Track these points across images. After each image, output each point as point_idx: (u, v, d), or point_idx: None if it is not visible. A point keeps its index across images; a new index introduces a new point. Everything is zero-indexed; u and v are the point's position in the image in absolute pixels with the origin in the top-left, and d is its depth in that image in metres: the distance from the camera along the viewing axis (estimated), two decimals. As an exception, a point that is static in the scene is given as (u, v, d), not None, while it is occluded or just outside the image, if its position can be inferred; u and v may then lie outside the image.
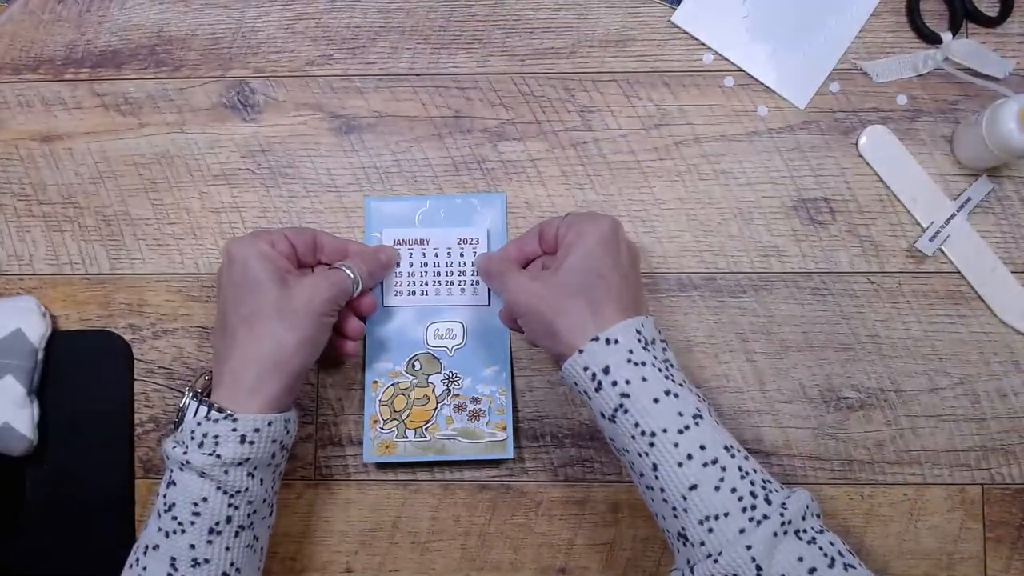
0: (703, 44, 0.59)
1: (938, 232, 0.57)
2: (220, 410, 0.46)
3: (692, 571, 0.42)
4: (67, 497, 0.57)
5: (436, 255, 0.56)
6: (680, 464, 0.42)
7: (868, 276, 0.58)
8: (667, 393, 0.43)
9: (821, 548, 0.41)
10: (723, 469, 0.42)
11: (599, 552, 0.57)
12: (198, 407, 0.46)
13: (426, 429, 0.55)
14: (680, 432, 0.42)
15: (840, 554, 0.41)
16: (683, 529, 0.43)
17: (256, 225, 0.59)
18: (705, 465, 0.42)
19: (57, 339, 0.58)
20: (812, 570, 0.40)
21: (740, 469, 0.43)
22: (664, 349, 0.46)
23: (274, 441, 0.47)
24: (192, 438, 0.46)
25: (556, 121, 0.59)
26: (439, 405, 0.55)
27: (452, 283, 0.56)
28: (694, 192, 0.58)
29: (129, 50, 0.60)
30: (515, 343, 0.58)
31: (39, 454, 0.57)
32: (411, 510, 0.57)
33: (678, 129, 0.59)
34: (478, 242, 0.56)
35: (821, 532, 0.42)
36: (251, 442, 0.46)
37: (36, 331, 0.56)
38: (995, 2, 0.59)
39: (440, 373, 0.56)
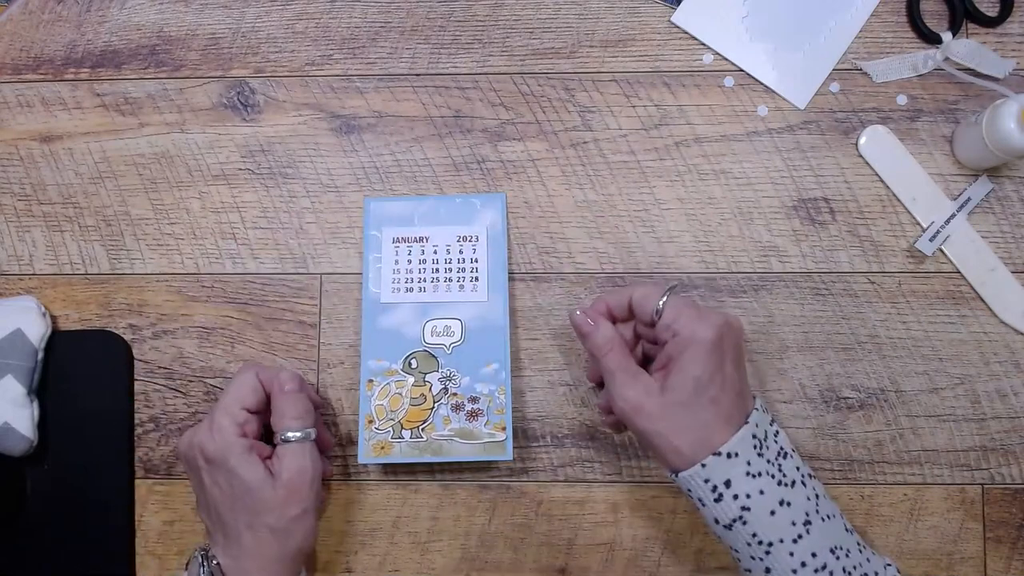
0: (703, 44, 0.59)
1: (938, 232, 0.57)
2: None
3: None
4: (67, 497, 0.57)
5: (435, 252, 0.56)
6: (794, 571, 0.45)
7: (868, 276, 0.58)
8: (782, 503, 0.46)
9: None
10: (831, 574, 0.45)
11: (599, 552, 0.57)
12: None
13: (422, 429, 0.54)
14: (795, 542, 0.45)
15: None
16: None
17: (255, 225, 0.59)
18: (816, 571, 0.45)
19: (57, 339, 0.58)
20: None
21: (844, 570, 0.46)
22: (776, 436, 0.48)
23: None
24: None
25: (556, 121, 0.59)
26: (436, 405, 0.54)
27: (451, 279, 0.56)
28: (694, 192, 0.58)
29: (129, 50, 0.60)
30: (515, 342, 0.58)
31: (39, 454, 0.57)
32: (411, 510, 0.57)
33: (678, 129, 0.59)
34: (478, 239, 0.56)
35: None
36: None
37: (36, 331, 0.56)
38: (995, 2, 0.59)
39: (437, 371, 0.55)
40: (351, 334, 0.58)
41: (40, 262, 0.59)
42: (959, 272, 0.57)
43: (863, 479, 0.57)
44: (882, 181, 0.58)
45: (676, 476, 0.47)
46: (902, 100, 0.58)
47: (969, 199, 0.57)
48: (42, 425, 0.57)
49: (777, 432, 0.48)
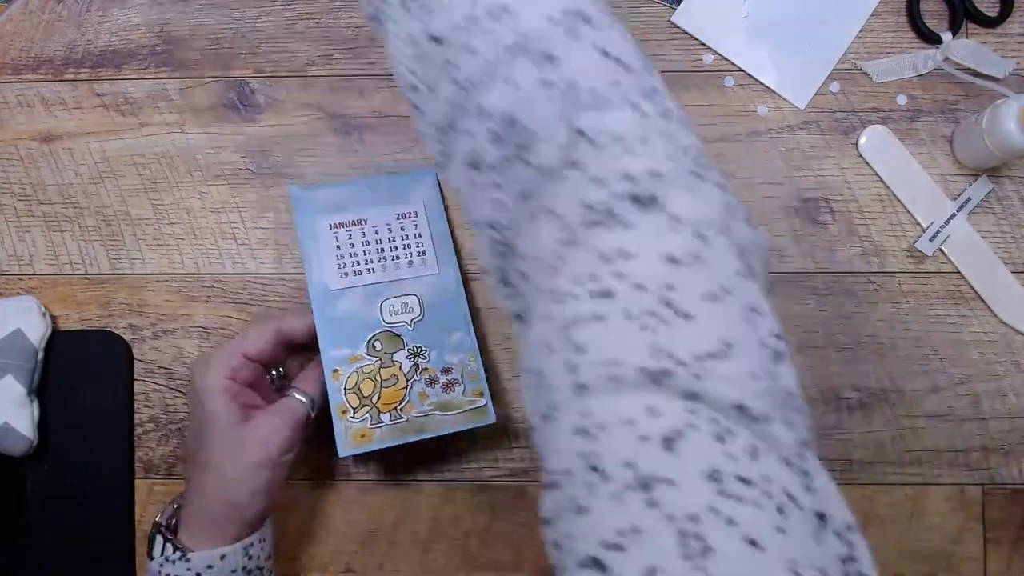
0: (703, 44, 0.59)
1: (938, 232, 0.57)
2: (175, 548, 0.48)
3: None
4: (67, 497, 0.57)
5: (376, 232, 0.55)
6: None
7: (868, 276, 0.58)
8: None
9: None
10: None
11: (599, 552, 0.57)
12: (164, 544, 0.48)
13: (400, 409, 0.53)
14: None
15: None
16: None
17: (255, 225, 0.59)
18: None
19: (57, 339, 0.58)
20: None
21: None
22: None
23: (233, 571, 0.48)
24: None
25: (556, 121, 0.59)
26: (409, 383, 0.53)
27: (398, 257, 0.55)
28: (694, 192, 0.58)
29: (129, 50, 0.60)
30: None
31: (39, 454, 0.57)
32: (411, 510, 0.57)
33: (678, 129, 0.59)
34: (417, 215, 0.56)
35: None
36: None
37: (36, 331, 0.56)
38: (995, 2, 0.59)
39: (404, 349, 0.54)
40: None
41: (40, 262, 0.59)
42: (959, 272, 0.57)
43: (863, 479, 0.57)
44: (882, 181, 0.58)
45: None
46: (902, 100, 0.58)
47: (969, 199, 0.57)
48: (42, 425, 0.57)
49: None
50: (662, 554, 0.24)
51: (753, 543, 0.25)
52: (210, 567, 0.47)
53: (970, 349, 0.57)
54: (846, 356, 0.57)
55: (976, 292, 0.57)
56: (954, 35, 0.58)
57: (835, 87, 0.59)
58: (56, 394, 0.58)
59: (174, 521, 0.50)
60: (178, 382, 0.58)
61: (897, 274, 0.58)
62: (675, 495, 0.25)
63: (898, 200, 0.58)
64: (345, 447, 0.51)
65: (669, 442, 0.26)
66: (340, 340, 0.53)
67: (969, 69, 0.57)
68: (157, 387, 0.58)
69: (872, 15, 0.59)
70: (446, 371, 0.53)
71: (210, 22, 0.60)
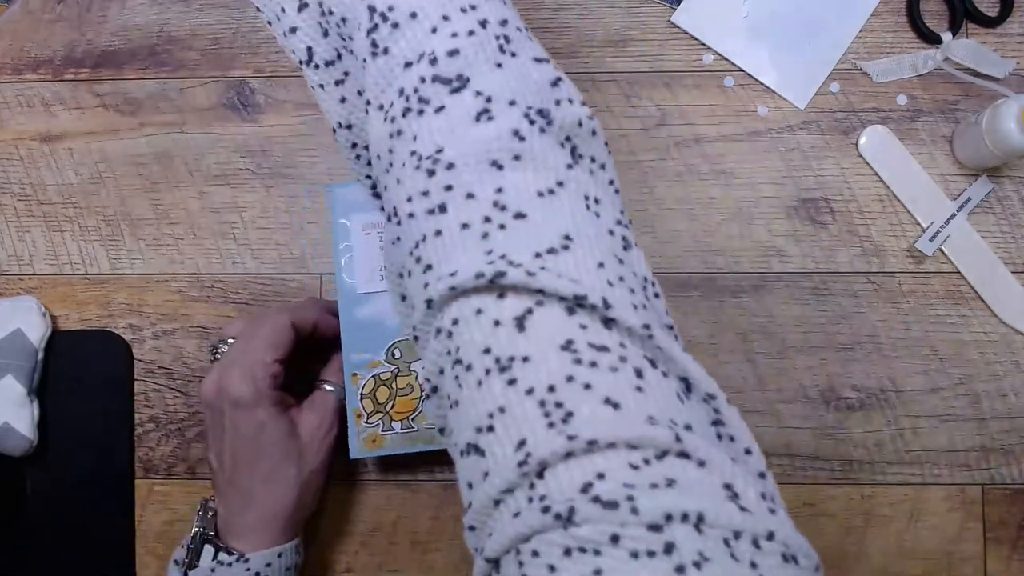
0: (703, 44, 0.59)
1: (938, 232, 0.57)
2: (230, 551, 0.48)
3: None
4: (67, 497, 0.57)
5: None
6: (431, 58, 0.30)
7: (868, 276, 0.58)
8: None
9: None
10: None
11: (599, 552, 0.57)
12: (216, 551, 0.48)
13: (413, 419, 0.53)
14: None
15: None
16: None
17: (255, 225, 0.59)
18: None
19: (57, 339, 0.58)
20: None
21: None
22: None
23: (287, 569, 0.49)
24: None
25: (556, 121, 0.59)
26: (424, 393, 0.53)
27: None
28: (694, 192, 0.58)
29: (129, 50, 0.60)
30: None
31: (39, 454, 0.57)
32: (411, 510, 0.57)
33: (678, 129, 0.59)
34: None
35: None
36: None
37: (36, 331, 0.56)
38: (995, 2, 0.59)
39: (422, 360, 0.54)
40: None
41: (40, 262, 0.59)
42: (959, 272, 0.57)
43: (863, 479, 0.57)
44: (882, 181, 0.58)
45: None
46: (902, 100, 0.58)
47: (969, 199, 0.57)
48: (42, 425, 0.57)
49: None
50: (528, 426, 0.26)
51: (612, 403, 0.25)
52: (268, 565, 0.48)
53: (970, 349, 0.57)
54: (846, 356, 0.57)
55: (976, 292, 0.57)
56: (954, 35, 0.58)
57: (835, 87, 0.59)
58: (56, 394, 0.58)
59: (215, 529, 0.50)
60: (178, 382, 0.58)
61: (897, 274, 0.58)
62: (532, 370, 0.26)
63: (898, 200, 0.58)
64: (356, 449, 0.53)
65: (520, 321, 0.27)
66: (362, 344, 0.53)
67: (969, 69, 0.57)
68: (157, 387, 0.58)
69: (872, 15, 0.59)
70: None
71: (210, 22, 0.60)
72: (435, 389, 0.30)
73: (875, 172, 0.58)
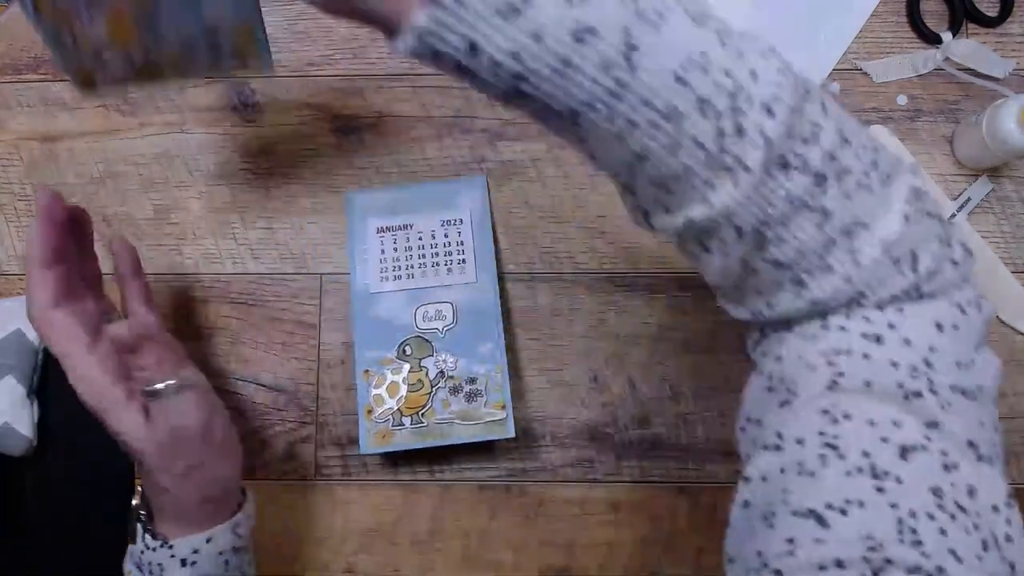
0: (703, 44, 0.59)
1: (938, 232, 0.57)
2: (155, 536, 0.46)
3: (647, 217, 0.34)
4: (67, 497, 0.57)
5: (420, 238, 0.56)
6: (620, 137, 0.29)
7: (868, 276, 0.58)
8: (578, 38, 0.27)
9: (814, 171, 0.31)
10: (678, 119, 0.29)
11: (599, 552, 0.57)
12: (143, 532, 0.47)
13: (422, 415, 0.54)
14: (612, 95, 0.28)
15: (832, 158, 0.31)
16: (630, 186, 0.32)
17: (255, 225, 0.59)
18: (653, 126, 0.29)
19: (57, 339, 0.58)
20: (801, 205, 0.30)
21: (699, 102, 0.29)
22: None
23: (220, 553, 0.47)
24: (139, 568, 0.47)
25: (556, 121, 0.59)
26: (434, 389, 0.54)
27: (439, 264, 0.56)
28: (694, 192, 0.58)
29: (129, 50, 0.60)
30: (515, 342, 0.58)
31: (39, 454, 0.57)
32: (411, 510, 0.57)
33: (678, 129, 0.59)
34: (462, 222, 0.57)
35: (814, 137, 0.31)
36: (193, 563, 0.45)
37: (36, 331, 0.56)
38: (995, 2, 0.59)
39: (432, 356, 0.55)
40: (351, 333, 0.58)
41: (40, 262, 0.59)
42: (959, 272, 0.57)
43: (863, 479, 0.57)
44: (882, 181, 0.58)
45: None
46: (902, 100, 0.58)
47: (969, 199, 0.57)
48: (42, 425, 0.57)
49: None
50: (880, 529, 0.27)
51: (956, 556, 0.27)
52: (196, 551, 0.46)
53: (970, 349, 0.57)
54: (846, 356, 0.57)
55: (976, 292, 0.57)
56: (954, 35, 0.58)
57: (835, 87, 0.59)
58: (56, 394, 0.58)
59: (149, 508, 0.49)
60: (178, 382, 0.58)
61: (897, 274, 0.58)
62: (901, 491, 0.28)
63: (898, 200, 0.58)
64: (367, 445, 0.54)
65: (904, 451, 0.29)
66: (374, 342, 0.55)
67: (969, 69, 0.57)
68: (157, 387, 0.58)
69: (872, 15, 0.59)
70: (471, 381, 0.54)
71: (210, 22, 0.60)
72: (779, 448, 0.31)
73: (875, 172, 0.58)
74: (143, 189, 0.60)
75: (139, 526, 0.48)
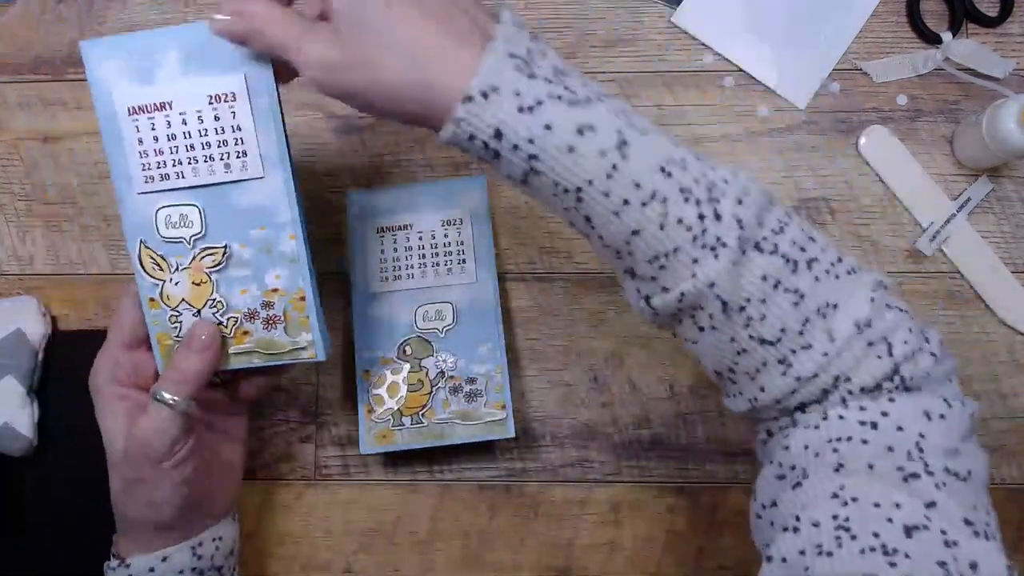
0: (703, 44, 0.59)
1: (938, 232, 0.57)
2: (114, 555, 0.46)
3: (648, 301, 0.38)
4: (67, 497, 0.57)
5: (420, 238, 0.56)
6: (616, 213, 0.35)
7: (868, 276, 0.58)
8: (580, 132, 0.34)
9: (784, 255, 0.36)
10: (664, 201, 0.35)
11: (599, 552, 0.57)
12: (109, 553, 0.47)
13: (422, 415, 0.54)
14: (608, 177, 0.34)
15: (802, 249, 0.36)
16: (631, 268, 0.37)
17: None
18: (644, 204, 0.35)
19: (57, 339, 0.58)
20: (776, 284, 0.36)
21: (682, 191, 0.35)
22: (544, 54, 0.36)
23: (180, 572, 0.46)
24: None
25: (556, 121, 0.59)
26: (434, 389, 0.54)
27: (438, 264, 0.56)
28: (694, 192, 0.58)
29: (129, 50, 0.60)
30: (515, 342, 0.58)
31: (39, 454, 0.57)
32: (411, 510, 0.57)
33: (678, 129, 0.59)
34: (462, 222, 0.56)
35: (782, 230, 0.36)
36: None
37: (36, 331, 0.56)
38: (995, 2, 0.59)
39: (432, 356, 0.55)
40: (352, 334, 0.58)
41: (40, 262, 0.59)
42: (959, 272, 0.57)
43: (863, 479, 0.57)
44: (882, 181, 0.58)
45: (438, 135, 0.36)
46: (902, 100, 0.58)
47: (969, 199, 0.57)
48: (42, 425, 0.57)
49: (546, 53, 0.36)
50: None
51: None
52: (151, 570, 0.45)
53: (970, 349, 0.57)
54: (846, 356, 0.57)
55: (976, 292, 0.57)
56: (954, 35, 0.58)
57: (835, 87, 0.59)
58: (56, 394, 0.58)
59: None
60: (178, 382, 0.58)
61: (897, 274, 0.58)
62: (910, 566, 0.31)
63: (898, 200, 0.58)
64: (366, 445, 0.54)
65: (908, 530, 0.32)
66: (374, 342, 0.55)
67: (969, 69, 0.57)
68: (157, 387, 0.58)
69: (872, 15, 0.59)
70: (471, 381, 0.54)
71: (210, 22, 0.60)
72: (796, 529, 0.35)
73: (875, 172, 0.58)
74: (143, 189, 0.60)
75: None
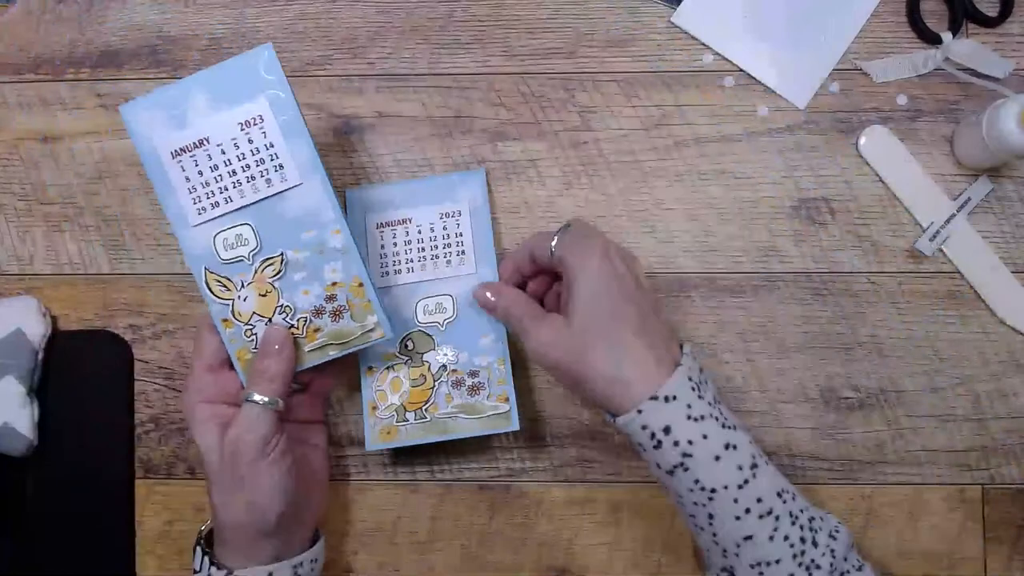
0: (703, 44, 0.59)
1: (938, 232, 0.57)
2: (219, 567, 0.47)
3: None
4: (67, 498, 0.57)
5: (419, 232, 0.56)
6: (738, 517, 0.43)
7: (868, 276, 0.58)
8: (727, 447, 0.44)
9: None
10: (777, 519, 0.44)
11: (599, 552, 0.57)
12: (203, 559, 0.48)
13: (426, 409, 0.54)
14: (740, 487, 0.43)
15: None
16: (732, 567, 0.45)
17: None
18: (761, 517, 0.43)
19: (57, 339, 0.58)
20: None
21: (791, 515, 0.44)
22: (707, 383, 0.46)
23: None
24: None
25: (556, 121, 0.59)
26: (436, 383, 0.54)
27: (437, 256, 0.55)
28: (694, 192, 0.58)
29: (129, 50, 0.60)
30: (516, 342, 0.58)
31: (39, 454, 0.57)
32: (411, 510, 0.57)
33: (678, 129, 0.59)
34: (460, 214, 0.56)
35: (860, 568, 0.45)
36: None
37: (36, 331, 0.56)
38: (995, 2, 0.59)
39: (434, 350, 0.54)
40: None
41: (40, 262, 0.59)
42: (959, 272, 0.57)
43: (863, 479, 0.57)
44: (882, 181, 0.58)
45: (614, 420, 0.45)
46: (902, 100, 0.58)
47: (969, 199, 0.57)
48: (42, 425, 0.57)
49: (708, 383, 0.46)
50: None
51: None
52: None
53: (970, 349, 0.57)
54: (846, 356, 0.57)
55: (976, 292, 0.57)
56: (954, 35, 0.58)
57: (835, 87, 0.59)
58: (56, 394, 0.58)
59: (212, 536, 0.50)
60: (178, 382, 0.58)
61: (897, 274, 0.58)
62: None
63: (898, 200, 0.58)
64: (372, 442, 0.54)
65: None
66: None
67: (969, 69, 0.57)
68: (157, 387, 0.58)
69: (872, 15, 0.59)
70: (473, 374, 0.54)
71: (210, 22, 0.60)
72: None
73: (875, 172, 0.58)
74: (143, 189, 0.60)
75: (199, 550, 0.48)
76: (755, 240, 0.58)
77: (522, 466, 0.57)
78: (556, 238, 0.48)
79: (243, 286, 0.49)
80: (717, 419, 0.44)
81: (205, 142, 0.48)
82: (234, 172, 0.48)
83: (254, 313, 0.49)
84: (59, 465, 0.58)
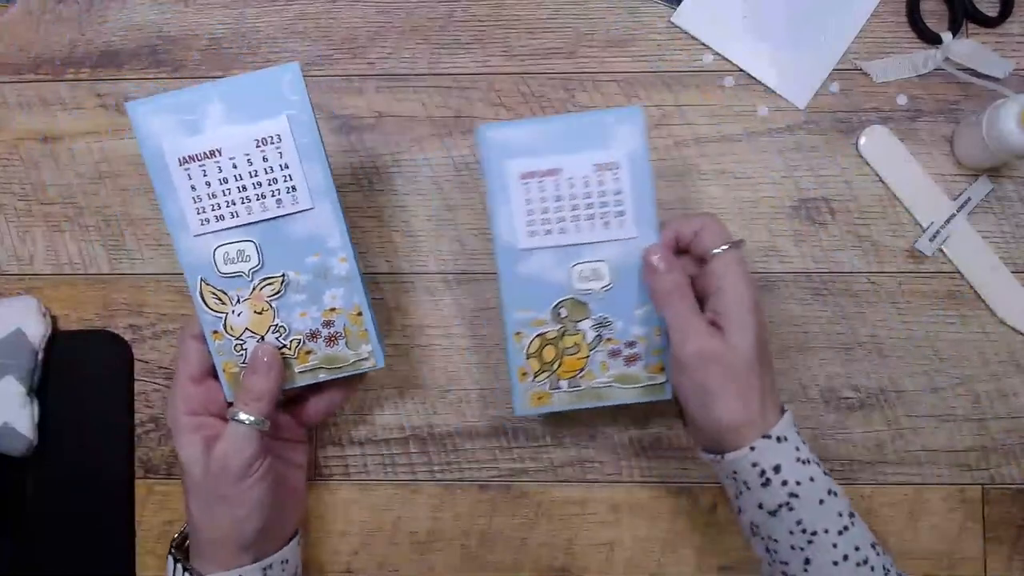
0: (703, 44, 0.59)
1: (938, 232, 0.57)
2: (189, 571, 0.48)
3: None
4: (67, 498, 0.57)
5: (572, 186, 0.49)
6: (835, 563, 0.44)
7: (868, 276, 0.58)
8: (830, 492, 0.45)
9: None
10: (872, 569, 0.44)
11: (599, 552, 0.57)
12: (175, 565, 0.48)
13: (580, 378, 0.51)
14: (839, 533, 0.44)
15: None
16: None
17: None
18: (858, 565, 0.44)
19: (57, 339, 0.58)
20: None
21: (884, 568, 0.45)
22: (799, 446, 0.46)
23: None
24: None
25: (556, 121, 0.59)
26: (592, 352, 0.51)
27: (593, 216, 0.49)
28: (694, 192, 0.58)
29: (129, 50, 0.60)
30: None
31: (39, 454, 0.57)
32: (411, 510, 0.57)
33: (678, 129, 0.59)
34: (619, 167, 0.49)
35: None
36: None
37: (36, 331, 0.56)
38: (995, 2, 0.59)
39: (589, 319, 0.50)
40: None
41: (40, 262, 0.59)
42: (959, 272, 0.57)
43: (863, 479, 0.57)
44: (882, 181, 0.58)
45: (722, 458, 0.45)
46: (902, 100, 0.58)
47: (969, 199, 0.57)
48: (42, 425, 0.57)
49: (802, 442, 0.47)
50: None
51: None
52: None
53: (970, 349, 0.57)
54: (846, 356, 0.57)
55: (976, 292, 0.57)
56: (954, 35, 0.58)
57: (835, 87, 0.59)
58: (56, 394, 0.58)
59: (186, 544, 0.50)
60: (178, 382, 0.59)
61: (897, 274, 0.58)
62: None
63: (898, 200, 0.58)
64: (522, 407, 0.51)
65: None
66: (525, 302, 0.50)
67: (969, 69, 0.57)
68: (157, 387, 0.58)
69: (872, 15, 0.59)
70: (630, 344, 0.51)
71: (210, 22, 0.60)
72: None
73: (875, 172, 0.58)
74: (143, 189, 0.60)
75: (171, 559, 0.49)
76: (755, 240, 0.58)
77: (522, 466, 0.57)
78: (726, 247, 0.47)
79: (239, 301, 0.48)
80: (819, 465, 0.46)
81: (217, 153, 0.47)
82: (244, 188, 0.47)
83: (247, 329, 0.48)
84: (59, 465, 0.58)
